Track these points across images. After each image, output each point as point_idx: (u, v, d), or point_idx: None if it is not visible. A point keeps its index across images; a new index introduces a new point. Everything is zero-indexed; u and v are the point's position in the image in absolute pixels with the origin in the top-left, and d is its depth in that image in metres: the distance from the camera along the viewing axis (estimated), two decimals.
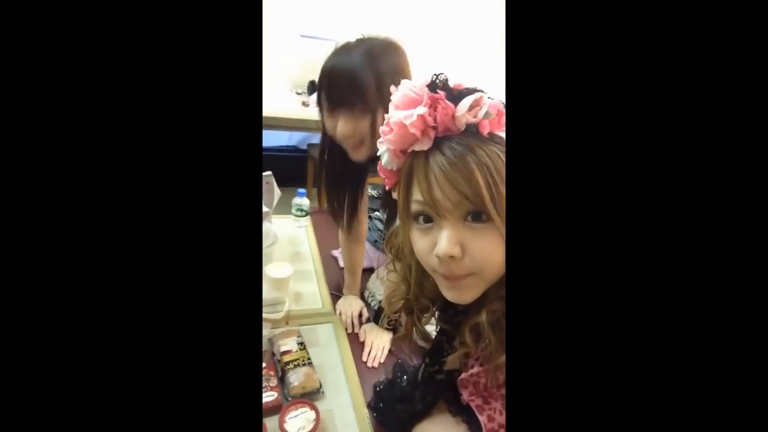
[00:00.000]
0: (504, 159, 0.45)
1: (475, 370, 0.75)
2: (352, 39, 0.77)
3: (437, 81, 0.46)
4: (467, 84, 0.47)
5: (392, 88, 0.48)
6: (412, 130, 0.46)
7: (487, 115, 0.45)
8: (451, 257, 0.47)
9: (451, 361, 0.76)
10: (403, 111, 0.46)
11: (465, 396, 0.75)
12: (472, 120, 0.45)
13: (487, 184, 0.44)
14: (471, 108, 0.44)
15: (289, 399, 0.76)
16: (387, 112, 0.48)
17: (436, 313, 0.67)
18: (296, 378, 0.78)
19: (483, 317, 0.52)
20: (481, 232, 0.47)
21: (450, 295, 0.52)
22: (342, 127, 0.75)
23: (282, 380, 0.79)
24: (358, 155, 0.80)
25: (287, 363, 0.80)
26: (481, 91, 0.46)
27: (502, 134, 0.46)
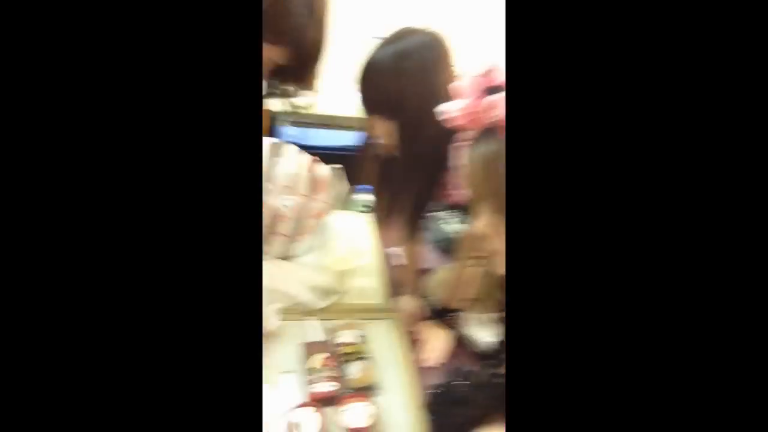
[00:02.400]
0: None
1: None
2: (396, 30, 0.77)
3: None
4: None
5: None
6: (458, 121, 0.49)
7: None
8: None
9: None
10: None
11: None
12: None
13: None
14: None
15: (347, 391, 0.77)
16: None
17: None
18: (356, 370, 0.78)
19: None
20: None
21: None
22: (377, 128, 0.78)
23: (341, 371, 0.81)
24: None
25: (347, 354, 0.81)
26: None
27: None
